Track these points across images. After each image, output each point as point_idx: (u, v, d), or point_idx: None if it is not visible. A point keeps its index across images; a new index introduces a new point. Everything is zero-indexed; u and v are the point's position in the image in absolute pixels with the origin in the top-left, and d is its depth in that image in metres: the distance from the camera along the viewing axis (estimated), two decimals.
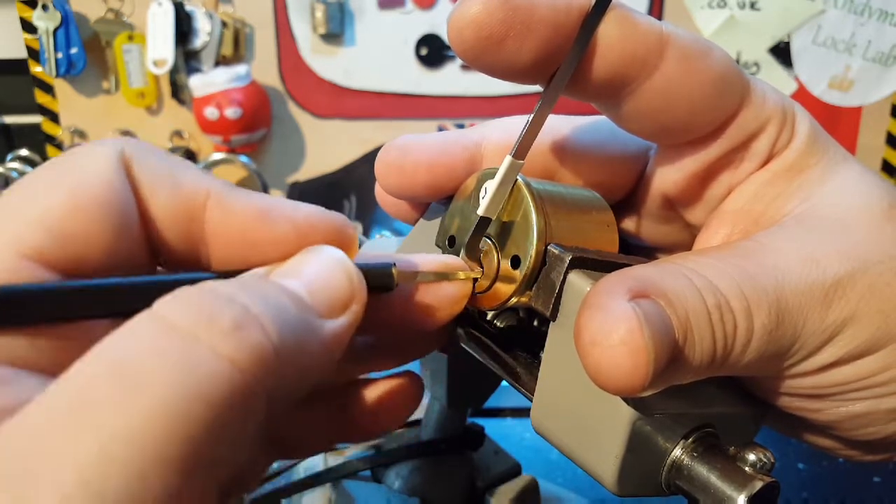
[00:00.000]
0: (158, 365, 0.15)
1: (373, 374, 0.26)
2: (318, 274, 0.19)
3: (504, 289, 0.24)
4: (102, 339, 0.15)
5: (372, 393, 0.25)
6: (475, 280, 0.25)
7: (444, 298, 0.24)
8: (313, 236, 0.21)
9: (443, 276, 0.24)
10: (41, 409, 0.14)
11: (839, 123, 1.15)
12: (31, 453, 0.14)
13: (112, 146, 0.20)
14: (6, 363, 0.17)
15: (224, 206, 0.21)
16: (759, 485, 0.21)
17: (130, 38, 1.12)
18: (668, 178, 0.26)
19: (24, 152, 1.15)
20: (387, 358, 0.26)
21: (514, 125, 0.27)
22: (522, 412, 0.79)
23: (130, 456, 0.14)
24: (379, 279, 0.22)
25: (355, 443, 0.27)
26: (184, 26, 1.10)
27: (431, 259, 0.24)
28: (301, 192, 1.19)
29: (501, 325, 0.29)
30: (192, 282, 0.18)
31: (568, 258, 0.22)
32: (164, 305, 0.16)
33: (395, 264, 0.22)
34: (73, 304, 0.18)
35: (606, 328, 0.19)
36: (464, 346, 0.28)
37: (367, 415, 0.25)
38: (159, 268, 0.22)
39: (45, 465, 0.13)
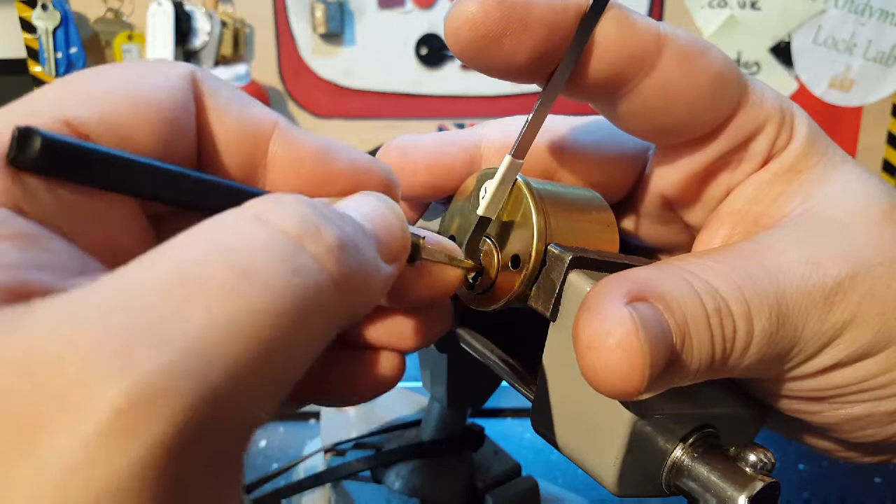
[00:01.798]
0: (269, 263, 0.15)
1: None
2: (382, 219, 0.20)
3: (504, 288, 0.24)
4: (201, 225, 0.15)
5: (347, 360, 0.25)
6: (477, 275, 0.25)
7: (440, 280, 0.24)
8: (367, 181, 0.22)
9: (458, 261, 0.24)
10: (149, 278, 0.14)
11: (840, 123, 1.15)
12: (139, 314, 0.13)
13: (185, 66, 0.21)
14: (35, 218, 0.16)
15: (289, 138, 0.21)
16: (759, 485, 0.21)
17: (130, 37, 1.12)
18: (666, 178, 0.26)
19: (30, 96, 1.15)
20: (373, 333, 0.25)
21: (513, 125, 0.27)
22: (522, 412, 0.79)
23: (235, 344, 0.14)
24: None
25: (321, 405, 0.26)
26: (183, 26, 1.10)
27: (448, 242, 0.24)
28: None
29: (500, 325, 0.29)
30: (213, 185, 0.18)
31: (568, 258, 0.22)
32: (265, 207, 0.16)
33: (423, 237, 0.23)
34: (150, 181, 0.18)
35: (603, 332, 0.19)
36: (464, 346, 0.28)
37: (337, 382, 0.25)
38: None
39: (154, 328, 0.13)
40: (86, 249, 0.17)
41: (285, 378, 0.15)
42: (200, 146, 0.21)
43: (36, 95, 0.18)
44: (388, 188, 0.22)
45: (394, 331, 0.25)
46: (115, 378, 0.12)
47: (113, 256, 0.18)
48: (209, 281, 0.14)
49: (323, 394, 0.25)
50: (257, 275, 0.14)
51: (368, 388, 0.24)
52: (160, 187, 0.18)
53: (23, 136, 0.16)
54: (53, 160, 0.16)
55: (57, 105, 0.18)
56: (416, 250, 0.22)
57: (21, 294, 0.14)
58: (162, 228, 0.21)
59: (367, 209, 0.20)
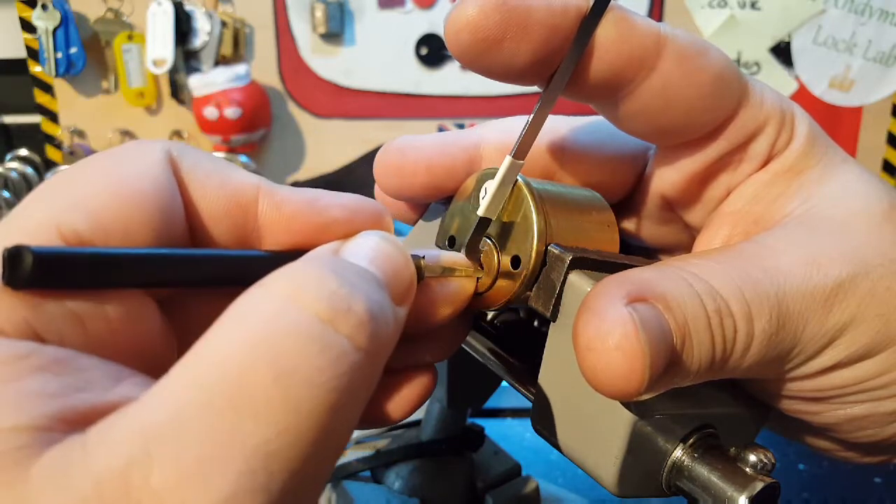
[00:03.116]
0: (309, 356, 0.15)
1: None
2: (389, 261, 0.20)
3: (504, 289, 0.24)
4: (230, 318, 0.15)
5: (385, 387, 0.25)
6: (477, 279, 0.25)
7: (449, 295, 0.24)
8: (359, 222, 0.22)
9: (461, 272, 0.24)
10: (194, 395, 0.14)
11: (840, 123, 1.15)
12: (197, 441, 0.13)
13: (160, 145, 0.20)
14: (55, 342, 0.17)
15: (275, 198, 0.21)
16: (759, 485, 0.21)
17: (130, 37, 1.12)
18: (666, 178, 0.26)
19: (23, 152, 1.15)
20: (396, 355, 0.26)
21: (513, 126, 0.27)
22: (522, 412, 0.79)
23: (292, 452, 0.14)
24: None
25: (360, 429, 0.27)
26: (183, 26, 1.10)
27: (445, 255, 0.24)
28: None
29: (501, 325, 0.29)
30: (260, 260, 0.19)
31: (568, 258, 0.22)
32: (293, 286, 0.16)
33: (423, 257, 0.23)
34: (147, 269, 0.18)
35: (602, 332, 0.19)
36: (464, 346, 0.28)
37: (370, 405, 0.25)
38: None
39: (214, 456, 0.13)
40: (109, 353, 0.17)
41: (337, 452, 0.16)
42: (190, 222, 0.21)
43: (24, 207, 0.18)
44: (380, 223, 0.22)
45: (420, 349, 0.25)
46: None
47: (137, 353, 0.18)
48: (257, 393, 0.14)
49: (363, 422, 0.25)
50: (301, 374, 0.15)
51: (403, 408, 0.25)
52: (159, 273, 0.18)
53: (13, 256, 0.16)
54: (48, 273, 0.16)
55: (47, 215, 0.18)
56: (418, 273, 0.23)
57: (74, 421, 0.14)
58: (171, 312, 0.20)
59: (373, 254, 0.20)
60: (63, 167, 1.10)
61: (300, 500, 0.15)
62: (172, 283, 0.19)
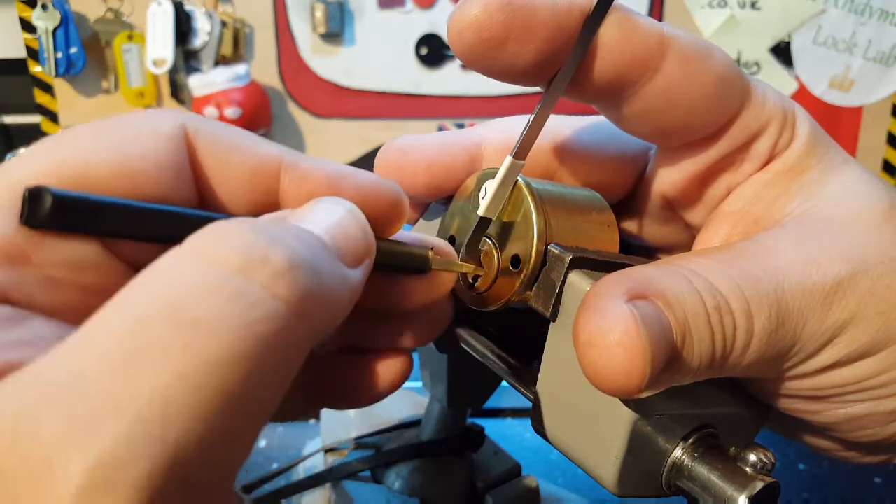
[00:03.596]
0: (214, 306, 0.14)
1: None
2: (337, 222, 0.19)
3: (504, 289, 0.24)
4: (143, 275, 0.15)
5: (355, 364, 0.25)
6: (477, 276, 0.25)
7: (438, 283, 0.24)
8: (374, 202, 0.22)
9: (469, 267, 0.24)
10: (95, 345, 0.14)
11: (840, 123, 1.15)
12: (92, 389, 0.13)
13: (175, 117, 0.20)
14: (21, 302, 0.17)
15: (297, 171, 0.21)
16: (759, 485, 0.21)
17: (130, 37, 1.12)
18: (667, 178, 0.26)
19: (23, 152, 1.15)
20: (375, 336, 0.26)
21: (514, 125, 0.27)
22: (522, 412, 0.79)
23: (189, 397, 0.14)
24: (416, 261, 0.23)
25: (332, 408, 0.27)
26: (183, 26, 1.10)
27: (439, 243, 0.24)
28: None
29: (501, 325, 0.29)
30: (213, 219, 0.18)
31: (568, 258, 0.22)
32: (206, 242, 0.16)
33: (432, 248, 0.23)
34: (118, 220, 0.18)
35: (603, 330, 0.19)
36: (464, 346, 0.28)
37: (347, 385, 0.25)
38: None
39: (105, 405, 0.13)
40: (80, 320, 0.17)
41: (259, 414, 0.15)
42: (208, 192, 0.21)
43: (20, 160, 0.18)
44: (395, 204, 0.22)
45: (397, 332, 0.25)
46: (76, 459, 0.12)
47: None
48: (155, 342, 0.14)
49: (334, 400, 0.25)
50: (203, 322, 0.14)
51: (378, 390, 0.25)
52: (165, 227, 0.18)
53: (34, 196, 0.17)
54: (65, 214, 0.17)
55: (42, 172, 0.18)
56: (425, 263, 0.23)
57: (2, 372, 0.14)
58: None
59: (322, 217, 0.19)
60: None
61: (209, 458, 0.14)
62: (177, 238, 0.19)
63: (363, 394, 0.25)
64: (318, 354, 0.25)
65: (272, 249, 0.16)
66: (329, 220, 0.19)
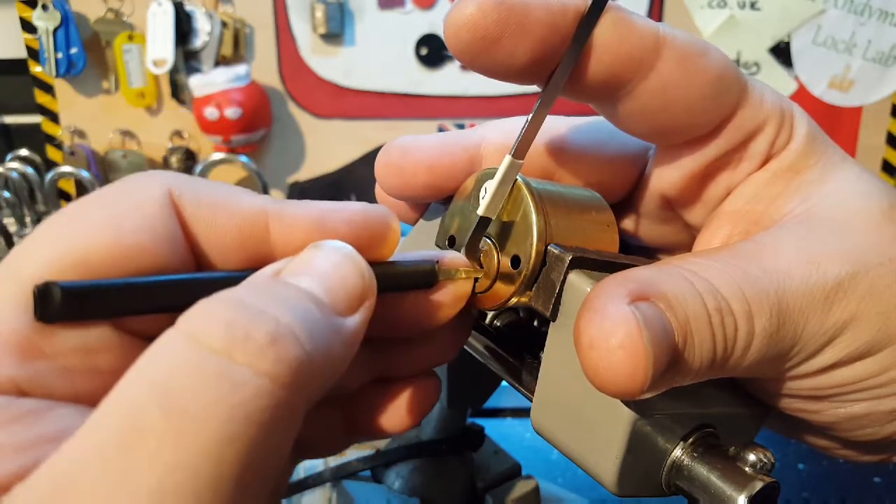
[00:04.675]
0: (201, 390, 0.15)
1: None
2: (332, 270, 0.19)
3: (504, 289, 0.24)
4: (138, 362, 0.15)
5: (385, 393, 0.25)
6: (476, 279, 0.25)
7: (447, 296, 0.24)
8: (366, 231, 0.22)
9: (473, 270, 0.24)
10: (90, 443, 0.14)
11: (839, 123, 1.16)
12: (88, 489, 0.14)
13: (159, 181, 0.20)
14: (40, 396, 0.17)
15: (283, 220, 0.21)
16: (759, 485, 0.21)
17: (130, 37, 1.12)
18: (666, 178, 0.26)
19: (23, 152, 1.15)
20: (402, 362, 0.26)
21: (513, 126, 0.27)
22: (522, 412, 0.79)
23: (186, 485, 0.14)
24: (421, 277, 0.23)
25: (371, 440, 0.27)
26: (184, 26, 1.10)
27: (448, 256, 0.24)
28: (301, 191, 1.19)
29: (501, 325, 0.29)
30: (213, 281, 0.18)
31: (568, 258, 0.22)
32: (193, 322, 0.16)
33: (437, 261, 0.23)
34: (124, 299, 0.18)
35: (605, 331, 0.19)
36: (464, 346, 0.28)
37: (381, 415, 0.25)
38: None
39: (107, 498, 0.13)
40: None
41: (259, 485, 0.16)
42: (202, 253, 0.21)
43: (20, 253, 0.18)
44: (386, 232, 0.22)
45: (421, 353, 0.25)
46: None
47: None
48: (147, 433, 0.14)
49: (373, 429, 0.25)
50: (192, 409, 0.14)
51: (413, 415, 0.25)
52: (176, 296, 0.19)
53: (42, 292, 0.17)
54: (75, 305, 0.17)
55: (42, 265, 0.18)
56: (430, 277, 0.23)
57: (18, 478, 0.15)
58: None
59: (317, 266, 0.19)
60: (63, 168, 1.10)
61: None
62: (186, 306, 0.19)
63: (398, 421, 0.25)
64: (352, 389, 0.25)
65: (254, 326, 0.16)
66: (324, 268, 0.19)
